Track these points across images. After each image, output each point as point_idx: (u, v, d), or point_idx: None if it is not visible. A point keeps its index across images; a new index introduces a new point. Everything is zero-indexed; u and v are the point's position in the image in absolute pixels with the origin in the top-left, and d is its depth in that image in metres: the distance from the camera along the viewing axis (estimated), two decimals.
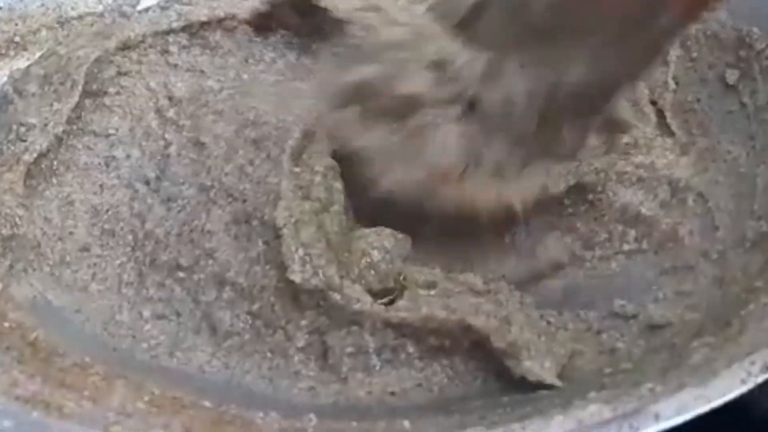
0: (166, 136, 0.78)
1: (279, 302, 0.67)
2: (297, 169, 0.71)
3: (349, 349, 0.67)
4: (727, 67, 0.78)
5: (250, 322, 0.68)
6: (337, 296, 0.65)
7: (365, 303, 0.66)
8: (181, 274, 0.71)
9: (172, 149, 0.77)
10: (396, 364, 0.67)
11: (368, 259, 0.69)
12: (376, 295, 0.68)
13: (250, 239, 0.69)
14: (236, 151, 0.74)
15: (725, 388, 0.50)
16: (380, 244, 0.70)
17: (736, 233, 0.70)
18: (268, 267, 0.68)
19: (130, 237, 0.74)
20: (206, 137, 0.76)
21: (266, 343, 0.68)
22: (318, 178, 0.71)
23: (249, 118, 0.75)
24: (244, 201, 0.70)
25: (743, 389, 0.50)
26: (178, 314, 0.70)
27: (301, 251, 0.66)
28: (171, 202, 0.75)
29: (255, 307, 0.68)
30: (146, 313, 0.70)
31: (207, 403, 0.61)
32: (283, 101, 0.75)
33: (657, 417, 0.49)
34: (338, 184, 0.73)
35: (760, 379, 0.51)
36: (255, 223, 0.69)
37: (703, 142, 0.77)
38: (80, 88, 0.76)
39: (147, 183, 0.77)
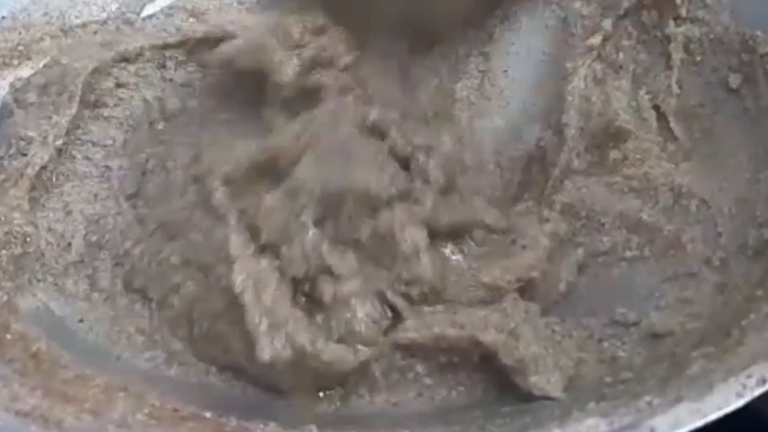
0: (147, 150, 0.79)
1: (251, 366, 0.66)
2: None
3: (353, 379, 0.67)
4: (731, 71, 0.77)
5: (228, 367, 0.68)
6: (314, 363, 0.64)
7: (351, 362, 0.65)
8: (153, 306, 0.71)
9: (150, 165, 0.77)
10: (402, 382, 0.67)
11: (351, 327, 0.67)
12: None
13: (209, 291, 0.68)
14: (187, 187, 0.74)
15: (721, 402, 0.50)
16: (364, 313, 0.68)
17: (739, 240, 0.70)
18: (231, 329, 0.66)
19: (114, 251, 0.74)
20: (170, 160, 0.76)
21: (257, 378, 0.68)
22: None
23: (199, 150, 0.75)
24: (197, 251, 0.70)
25: (739, 403, 0.50)
26: (163, 338, 0.70)
27: (265, 322, 0.64)
28: (143, 224, 0.75)
29: (228, 361, 0.68)
30: (134, 328, 0.70)
31: (207, 414, 0.61)
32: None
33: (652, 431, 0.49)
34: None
35: (756, 393, 0.50)
36: (212, 278, 0.68)
37: (706, 147, 0.77)
38: (78, 99, 0.76)
39: (128, 198, 0.77)
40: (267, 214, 0.69)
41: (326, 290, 0.67)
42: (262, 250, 0.69)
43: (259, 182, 0.72)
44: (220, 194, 0.70)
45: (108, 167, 0.79)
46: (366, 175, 0.71)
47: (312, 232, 0.68)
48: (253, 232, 0.69)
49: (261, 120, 0.77)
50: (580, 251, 0.74)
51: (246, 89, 0.80)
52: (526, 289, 0.72)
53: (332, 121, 0.75)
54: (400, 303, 0.68)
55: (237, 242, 0.67)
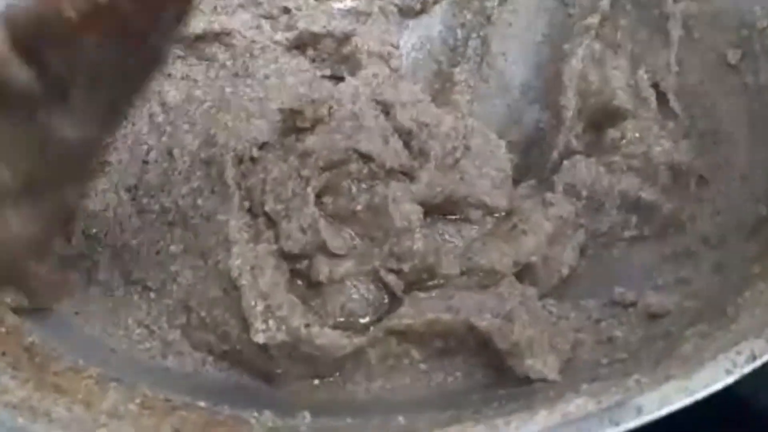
0: (149, 141, 0.78)
1: (247, 351, 0.66)
2: (246, 203, 0.70)
3: (349, 365, 0.67)
4: (730, 47, 0.76)
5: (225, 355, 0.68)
6: (308, 349, 0.64)
7: (345, 347, 0.64)
8: (152, 295, 0.71)
9: (152, 155, 0.77)
10: (398, 368, 0.67)
11: (346, 314, 0.68)
12: None
13: (207, 277, 0.68)
14: (194, 172, 0.73)
15: (709, 380, 0.49)
16: (360, 296, 0.69)
17: (737, 218, 0.69)
18: (228, 314, 0.66)
19: (113, 244, 0.73)
20: (177, 148, 0.75)
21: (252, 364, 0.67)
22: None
23: (210, 134, 0.74)
24: (196, 236, 0.70)
25: (728, 380, 0.49)
26: (160, 328, 0.69)
27: (261, 305, 0.64)
28: (144, 213, 0.74)
29: (225, 347, 0.67)
30: (132, 320, 0.70)
31: (201, 404, 0.61)
32: (249, 120, 0.75)
33: (639, 410, 0.48)
34: None
35: (746, 370, 0.50)
36: (211, 263, 0.68)
37: (705, 125, 0.76)
38: None
39: (128, 190, 0.76)
40: (273, 185, 0.70)
41: (322, 270, 0.67)
42: (264, 223, 0.70)
43: (269, 159, 0.72)
44: (230, 172, 0.70)
45: (107, 161, 0.78)
46: (372, 142, 0.72)
47: (311, 207, 0.69)
48: (255, 206, 0.70)
49: None
50: (581, 233, 0.74)
51: None
52: (524, 274, 0.72)
53: (353, 95, 0.77)
54: (393, 281, 0.67)
55: (236, 227, 0.68)
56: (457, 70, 0.88)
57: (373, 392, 0.66)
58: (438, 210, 0.72)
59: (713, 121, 0.76)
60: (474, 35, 0.90)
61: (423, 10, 0.92)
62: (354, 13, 0.90)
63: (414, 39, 0.92)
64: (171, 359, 0.68)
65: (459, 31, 0.91)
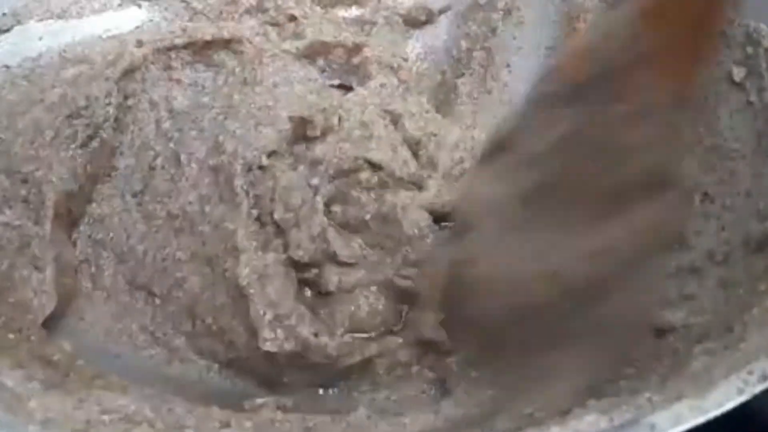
0: (156, 147, 0.78)
1: (253, 359, 0.66)
2: (254, 212, 0.71)
3: (355, 375, 0.67)
4: (734, 64, 0.76)
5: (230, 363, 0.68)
6: (316, 358, 0.65)
7: (354, 356, 0.65)
8: (157, 301, 0.71)
9: (158, 161, 0.77)
10: (405, 377, 0.67)
11: (355, 323, 0.68)
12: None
13: (215, 284, 0.68)
14: (202, 179, 0.74)
15: (722, 399, 0.49)
16: (369, 306, 0.69)
17: (742, 234, 0.69)
18: (235, 322, 0.67)
19: (118, 249, 0.74)
20: (184, 154, 0.76)
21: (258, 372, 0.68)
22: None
23: (218, 141, 0.75)
24: (204, 243, 0.70)
25: (740, 399, 0.49)
26: (165, 334, 0.69)
27: (269, 313, 0.65)
28: (150, 219, 0.74)
29: (231, 355, 0.68)
30: (136, 326, 0.70)
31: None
32: (257, 128, 0.75)
33: (653, 428, 0.48)
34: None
35: (758, 389, 0.50)
36: (218, 270, 0.68)
37: (709, 141, 0.76)
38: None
39: (134, 195, 0.76)
40: (282, 193, 0.70)
41: (332, 280, 0.68)
42: (273, 231, 0.70)
43: (278, 167, 0.72)
44: (239, 180, 0.70)
45: (114, 167, 0.78)
46: (381, 151, 0.73)
47: (320, 216, 0.69)
48: (264, 215, 0.70)
49: None
50: None
51: None
52: None
53: (362, 105, 0.78)
54: (408, 286, 0.68)
55: (245, 235, 0.68)
56: (461, 81, 0.89)
57: (378, 403, 0.66)
58: (446, 219, 0.72)
59: (718, 138, 0.76)
60: (478, 47, 0.90)
61: (428, 21, 0.93)
62: (360, 22, 0.91)
63: (419, 49, 0.92)
64: (176, 366, 0.68)
65: (464, 42, 0.91)
